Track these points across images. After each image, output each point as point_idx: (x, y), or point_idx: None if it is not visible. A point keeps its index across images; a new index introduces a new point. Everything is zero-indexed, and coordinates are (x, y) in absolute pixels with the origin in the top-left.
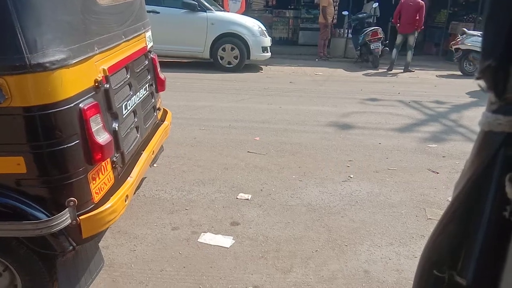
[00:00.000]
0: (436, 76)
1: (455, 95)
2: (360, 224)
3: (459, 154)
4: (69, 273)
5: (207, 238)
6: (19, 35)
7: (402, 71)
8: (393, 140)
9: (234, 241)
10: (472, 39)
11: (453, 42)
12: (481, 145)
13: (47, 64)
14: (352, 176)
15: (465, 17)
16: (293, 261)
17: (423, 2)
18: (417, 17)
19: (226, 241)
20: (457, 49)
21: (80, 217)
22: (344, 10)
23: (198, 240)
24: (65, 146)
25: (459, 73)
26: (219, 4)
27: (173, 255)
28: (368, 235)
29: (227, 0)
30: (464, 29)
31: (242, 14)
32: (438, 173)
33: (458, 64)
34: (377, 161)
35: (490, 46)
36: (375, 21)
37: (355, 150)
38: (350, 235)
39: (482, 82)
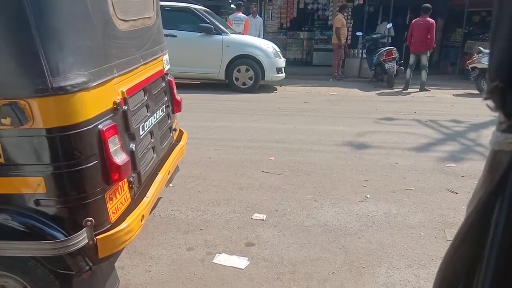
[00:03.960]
0: (453, 95)
1: (472, 113)
2: (377, 245)
3: (478, 173)
4: None
5: (222, 259)
6: (42, 59)
7: (417, 90)
8: (410, 159)
9: (249, 262)
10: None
11: (469, 61)
12: (491, 164)
13: (69, 87)
14: (368, 196)
15: (480, 36)
16: (309, 283)
17: (433, 21)
18: (429, 36)
19: (241, 262)
20: (473, 68)
21: (97, 237)
22: (358, 31)
23: (213, 261)
24: (84, 166)
25: (476, 91)
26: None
27: (188, 276)
28: (386, 257)
29: (231, 22)
30: (480, 47)
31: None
32: (457, 193)
33: (475, 83)
34: (394, 181)
35: (497, 67)
36: (389, 41)
37: (371, 170)
38: (367, 256)
39: (490, 102)
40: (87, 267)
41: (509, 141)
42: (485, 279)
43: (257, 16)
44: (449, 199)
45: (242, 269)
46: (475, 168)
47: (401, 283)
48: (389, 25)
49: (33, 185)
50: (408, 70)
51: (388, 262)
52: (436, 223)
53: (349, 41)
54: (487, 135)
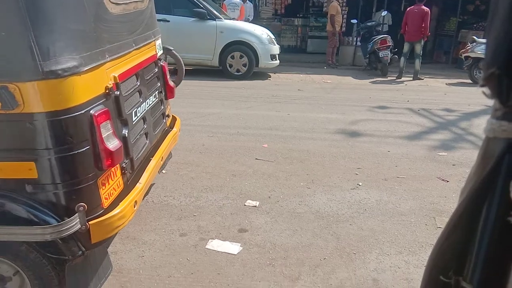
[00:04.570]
0: (446, 84)
1: (465, 103)
2: (369, 232)
3: (469, 162)
4: (78, 278)
5: (215, 244)
6: (32, 42)
7: (411, 79)
8: (402, 148)
9: (241, 248)
10: (482, 47)
11: (462, 50)
12: (485, 151)
13: (59, 71)
14: (360, 183)
15: (474, 25)
16: (301, 269)
17: (427, 9)
18: (423, 24)
19: (233, 248)
20: (467, 57)
21: (90, 222)
22: (353, 19)
23: (206, 246)
24: (76, 151)
25: (469, 81)
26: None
27: (181, 261)
28: (377, 244)
29: (226, 8)
30: (474, 37)
31: (251, 22)
32: (448, 181)
33: (468, 72)
34: (386, 169)
35: (494, 54)
36: (386, 29)
37: (363, 158)
38: (358, 243)
39: (486, 90)
40: (80, 252)
41: (503, 128)
42: (475, 267)
43: (247, 1)
44: (440, 187)
45: (235, 254)
46: (466, 157)
47: (391, 269)
48: (384, 13)
49: (25, 170)
50: (402, 59)
51: (379, 249)
52: (427, 211)
53: (343, 29)
54: (479, 124)
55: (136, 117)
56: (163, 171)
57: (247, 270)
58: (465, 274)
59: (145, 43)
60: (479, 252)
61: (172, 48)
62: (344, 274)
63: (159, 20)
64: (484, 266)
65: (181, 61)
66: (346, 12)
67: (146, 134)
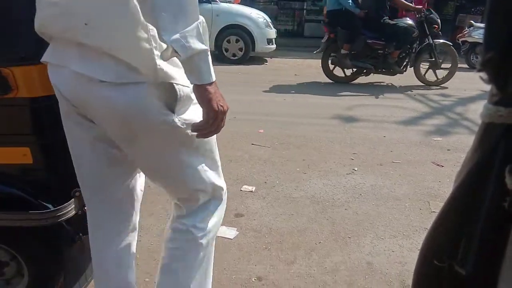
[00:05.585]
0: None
1: (461, 88)
2: (363, 216)
3: (464, 147)
4: (75, 262)
5: None
6: (26, 26)
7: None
8: (398, 133)
9: (238, 232)
10: (479, 31)
11: (460, 35)
12: (482, 136)
13: None
14: (356, 169)
15: (472, 9)
16: (297, 253)
17: None
18: None
19: (230, 232)
20: (464, 42)
21: (86, 208)
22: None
23: None
24: None
25: (466, 66)
26: None
27: None
28: (372, 228)
29: None
30: (472, 21)
31: (245, 5)
32: (442, 166)
33: (465, 57)
34: (381, 154)
35: (492, 38)
36: None
37: (359, 143)
38: (353, 227)
39: (483, 75)
40: (77, 237)
41: (500, 113)
42: (468, 252)
43: None
44: (434, 172)
45: (231, 239)
46: (461, 142)
47: (385, 252)
48: None
49: (19, 156)
50: None
51: (373, 233)
52: (421, 195)
53: None
54: (475, 110)
55: None
56: None
57: (243, 254)
58: (459, 258)
59: None
60: (473, 237)
61: (451, 44)
62: (339, 258)
63: None
64: (477, 251)
65: (456, 55)
66: None
67: None
